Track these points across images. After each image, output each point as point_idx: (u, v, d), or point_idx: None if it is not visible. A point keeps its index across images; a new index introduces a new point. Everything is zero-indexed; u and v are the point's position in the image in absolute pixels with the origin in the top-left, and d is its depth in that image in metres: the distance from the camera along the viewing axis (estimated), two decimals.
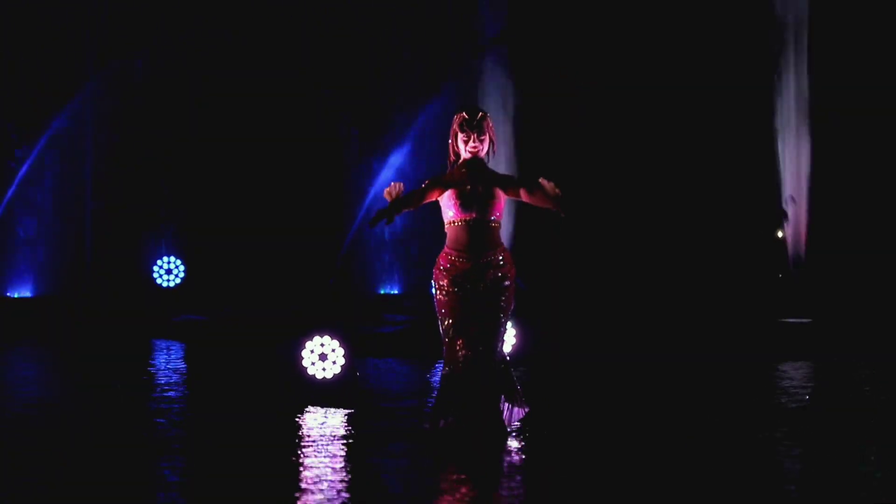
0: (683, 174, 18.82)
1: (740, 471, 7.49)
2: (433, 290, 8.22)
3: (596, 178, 18.64)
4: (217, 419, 9.42)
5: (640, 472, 7.50)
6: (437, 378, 10.92)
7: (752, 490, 6.98)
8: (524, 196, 8.12)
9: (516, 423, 8.34)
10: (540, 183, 7.96)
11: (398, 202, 7.98)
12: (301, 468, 7.51)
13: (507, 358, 8.29)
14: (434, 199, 8.18)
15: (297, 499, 6.70)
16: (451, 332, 8.08)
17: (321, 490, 6.88)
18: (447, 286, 8.10)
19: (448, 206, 8.15)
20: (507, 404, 8.19)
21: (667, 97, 18.65)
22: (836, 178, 18.27)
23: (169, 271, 19.21)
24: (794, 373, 12.29)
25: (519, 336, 12.35)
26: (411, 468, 7.65)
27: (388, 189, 8.01)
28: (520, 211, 18.11)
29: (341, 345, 10.25)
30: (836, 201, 18.33)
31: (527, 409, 8.29)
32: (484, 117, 8.18)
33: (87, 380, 12.14)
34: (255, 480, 7.23)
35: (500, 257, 8.14)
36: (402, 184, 8.08)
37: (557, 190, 7.90)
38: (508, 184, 8.18)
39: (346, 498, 6.72)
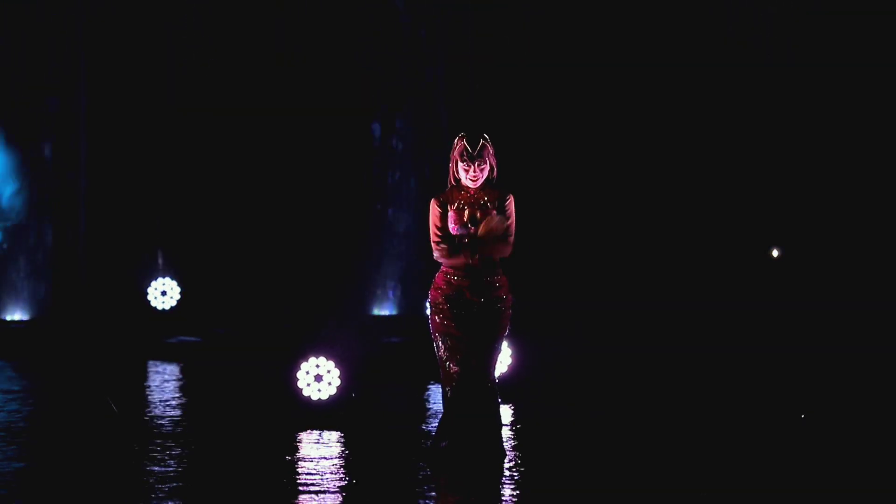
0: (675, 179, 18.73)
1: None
2: (427, 311, 8.21)
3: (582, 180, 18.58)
4: (210, 443, 9.36)
5: (641, 487, 7.45)
6: (433, 400, 10.92)
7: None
8: None
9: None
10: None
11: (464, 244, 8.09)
12: (295, 492, 7.46)
13: (496, 380, 8.26)
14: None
15: None
16: (446, 354, 8.07)
17: None
18: (443, 305, 8.10)
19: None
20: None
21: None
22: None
23: (164, 293, 19.09)
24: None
25: (515, 357, 12.28)
26: (408, 491, 7.59)
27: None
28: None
29: (337, 366, 10.21)
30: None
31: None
32: (484, 146, 8.16)
33: (78, 400, 12.06)
34: None
35: (497, 280, 8.14)
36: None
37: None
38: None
39: None
